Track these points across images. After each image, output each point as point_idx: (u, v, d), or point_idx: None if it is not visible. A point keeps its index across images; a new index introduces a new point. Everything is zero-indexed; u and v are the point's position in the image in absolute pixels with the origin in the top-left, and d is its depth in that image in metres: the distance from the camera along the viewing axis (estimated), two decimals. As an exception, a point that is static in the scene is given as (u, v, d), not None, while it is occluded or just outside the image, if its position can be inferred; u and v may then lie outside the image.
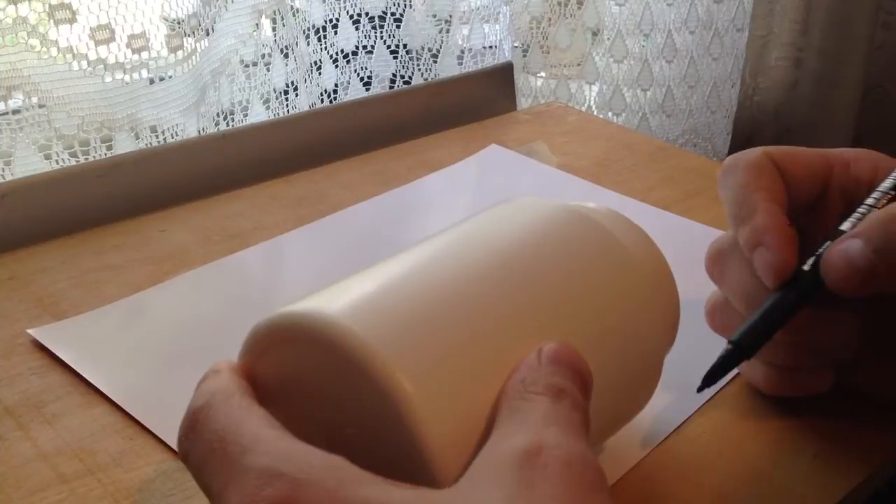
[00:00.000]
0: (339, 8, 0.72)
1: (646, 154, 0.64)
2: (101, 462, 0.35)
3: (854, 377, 0.37)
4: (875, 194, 0.34)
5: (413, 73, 0.76)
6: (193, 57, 0.60)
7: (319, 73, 0.72)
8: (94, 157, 0.56)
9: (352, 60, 0.74)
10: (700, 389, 0.33)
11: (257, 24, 0.65)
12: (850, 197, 0.37)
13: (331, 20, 0.72)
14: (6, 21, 0.50)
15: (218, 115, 0.64)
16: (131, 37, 0.56)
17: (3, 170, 0.54)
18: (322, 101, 0.73)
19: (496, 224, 0.32)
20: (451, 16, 0.75)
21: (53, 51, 0.53)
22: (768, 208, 0.35)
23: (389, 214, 0.55)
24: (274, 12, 0.66)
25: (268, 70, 0.67)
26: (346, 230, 0.53)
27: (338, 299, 0.26)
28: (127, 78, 0.56)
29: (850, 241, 0.32)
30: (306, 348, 0.26)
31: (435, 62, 0.76)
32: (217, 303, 0.46)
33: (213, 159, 0.57)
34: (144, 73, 0.57)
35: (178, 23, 0.58)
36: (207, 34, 0.61)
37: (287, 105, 0.69)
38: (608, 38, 0.88)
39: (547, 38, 0.85)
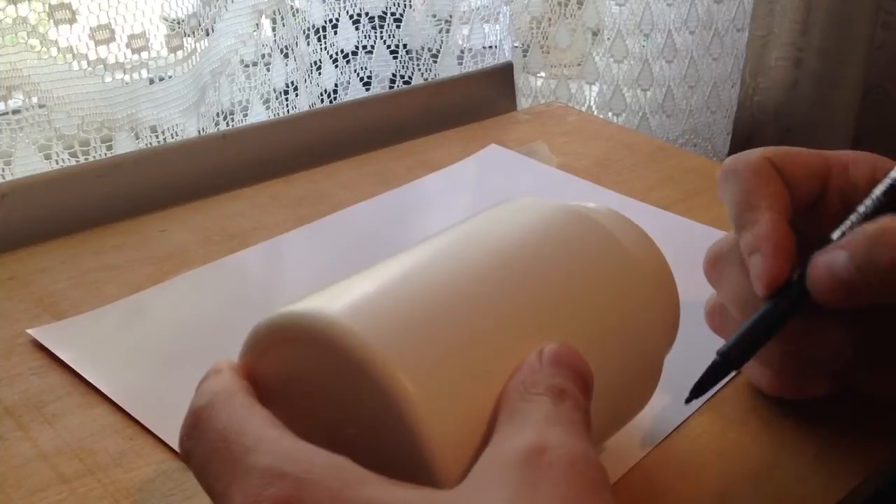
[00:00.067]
0: (339, 8, 0.72)
1: (646, 154, 0.64)
2: (101, 462, 0.35)
3: (852, 382, 0.37)
4: (867, 201, 0.34)
5: (413, 73, 0.76)
6: (193, 57, 0.60)
7: (319, 73, 0.72)
8: (94, 157, 0.56)
9: (352, 60, 0.74)
10: (688, 401, 0.33)
11: (257, 24, 0.65)
12: (848, 199, 0.36)
13: (331, 20, 0.72)
14: (6, 21, 0.50)
15: (218, 115, 0.64)
16: (131, 37, 0.56)
17: (3, 170, 0.54)
18: (322, 101, 0.73)
19: (496, 224, 0.32)
20: (451, 16, 0.75)
21: (53, 51, 0.53)
22: (770, 217, 0.34)
23: (389, 214, 0.55)
24: (274, 12, 0.66)
25: (268, 70, 0.67)
26: (346, 230, 0.53)
27: (338, 299, 0.26)
28: (127, 78, 0.56)
29: (835, 254, 0.31)
30: (307, 348, 0.26)
31: (435, 62, 0.76)
32: (217, 303, 0.46)
33: (213, 159, 0.57)
34: (144, 73, 0.57)
35: (178, 23, 0.58)
36: (207, 34, 0.61)
37: (287, 105, 0.69)
38: (608, 38, 0.88)
39: (547, 38, 0.85)
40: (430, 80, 0.75)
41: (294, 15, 0.68)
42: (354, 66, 0.75)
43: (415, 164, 0.61)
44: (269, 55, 0.66)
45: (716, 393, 0.39)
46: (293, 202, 0.56)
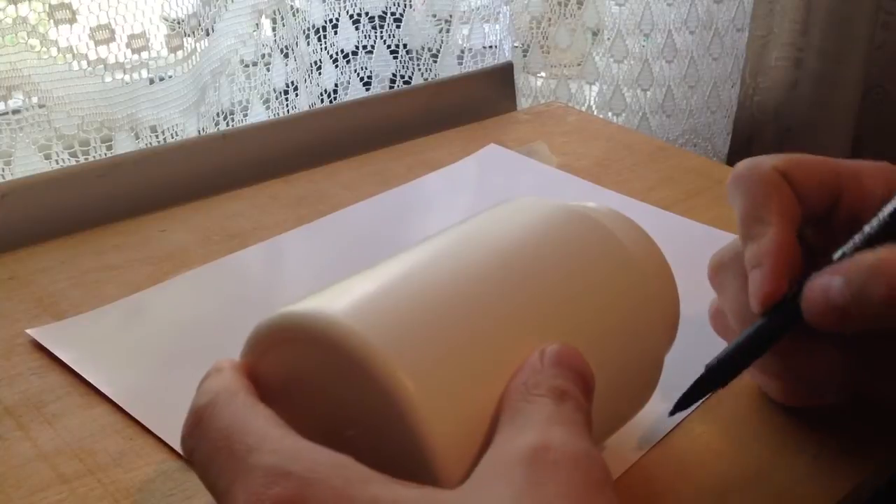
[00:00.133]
0: (339, 8, 0.72)
1: (646, 154, 0.64)
2: (101, 462, 0.35)
3: (859, 391, 0.37)
4: (874, 221, 0.33)
5: (413, 73, 0.76)
6: (193, 57, 0.60)
7: (319, 73, 0.72)
8: (94, 157, 0.56)
9: (352, 60, 0.74)
10: (672, 413, 0.33)
11: (257, 24, 0.65)
12: (860, 211, 0.35)
13: (331, 20, 0.72)
14: (6, 21, 0.50)
15: (218, 115, 0.64)
16: (131, 37, 0.56)
17: (3, 170, 0.54)
18: (322, 101, 0.73)
19: (497, 224, 0.32)
20: (451, 16, 0.75)
21: (53, 51, 0.53)
22: (776, 231, 0.34)
23: (389, 214, 0.55)
24: (274, 12, 0.66)
25: (268, 70, 0.67)
26: (346, 230, 0.53)
27: (339, 299, 0.26)
28: (127, 78, 0.56)
29: (831, 278, 0.31)
30: (308, 348, 0.26)
31: (435, 62, 0.76)
32: (217, 303, 0.46)
33: (213, 159, 0.57)
34: (144, 73, 0.57)
35: (178, 23, 0.58)
36: (207, 34, 0.61)
37: (287, 105, 0.69)
38: (608, 38, 0.88)
39: (547, 38, 0.85)
40: (430, 80, 0.75)
41: (294, 15, 0.68)
42: (354, 66, 0.75)
43: (415, 164, 0.61)
44: (269, 55, 0.66)
45: (715, 393, 0.39)
46: (293, 202, 0.56)
